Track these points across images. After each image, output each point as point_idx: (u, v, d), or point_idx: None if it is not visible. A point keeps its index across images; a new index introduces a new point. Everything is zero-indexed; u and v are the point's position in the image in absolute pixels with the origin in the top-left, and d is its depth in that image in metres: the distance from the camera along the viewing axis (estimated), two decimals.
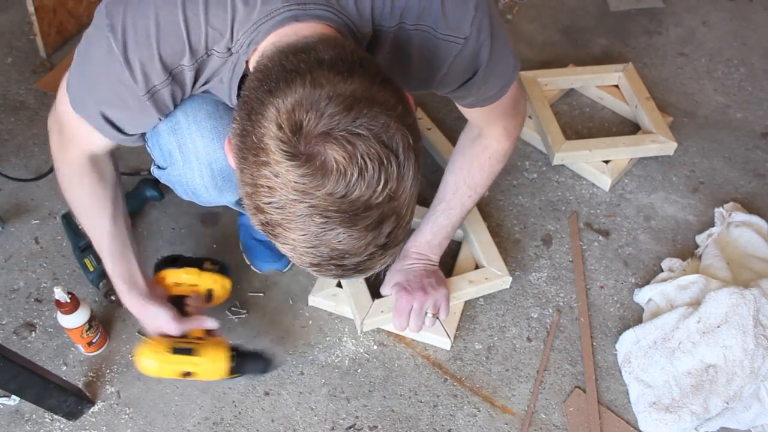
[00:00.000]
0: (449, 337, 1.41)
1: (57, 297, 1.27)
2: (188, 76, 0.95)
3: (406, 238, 0.83)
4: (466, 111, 1.24)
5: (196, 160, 1.12)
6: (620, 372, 1.41)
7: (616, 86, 1.93)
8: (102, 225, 1.20)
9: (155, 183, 1.61)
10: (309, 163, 0.71)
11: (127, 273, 1.24)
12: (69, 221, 1.53)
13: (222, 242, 1.58)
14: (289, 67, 0.77)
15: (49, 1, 1.92)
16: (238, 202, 1.21)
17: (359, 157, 0.72)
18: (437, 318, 1.40)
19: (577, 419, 1.34)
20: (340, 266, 0.78)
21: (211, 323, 1.28)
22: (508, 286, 1.52)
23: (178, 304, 1.29)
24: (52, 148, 1.16)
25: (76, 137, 1.10)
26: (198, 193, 1.16)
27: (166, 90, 0.96)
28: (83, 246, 1.49)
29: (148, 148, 1.17)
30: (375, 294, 1.44)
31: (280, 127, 0.72)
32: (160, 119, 1.02)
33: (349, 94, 0.73)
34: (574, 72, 1.93)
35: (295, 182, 0.72)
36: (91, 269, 1.47)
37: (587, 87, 1.94)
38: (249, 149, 0.75)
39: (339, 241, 0.75)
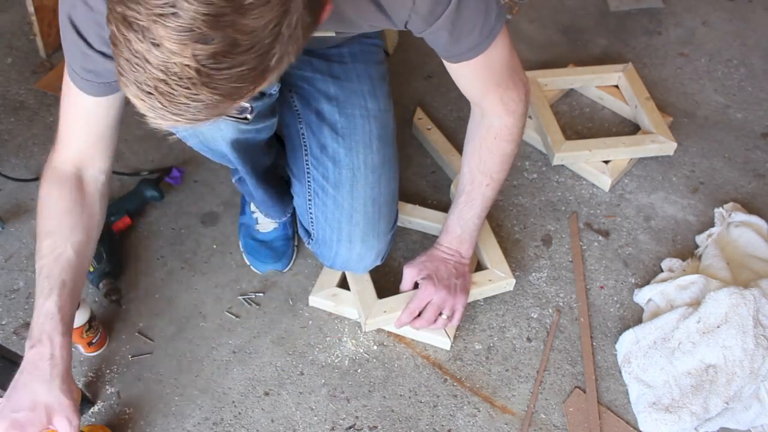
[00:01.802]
0: (449, 337, 1.41)
1: None
2: None
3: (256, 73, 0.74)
4: (457, 76, 1.21)
5: None
6: (620, 372, 1.41)
7: (616, 86, 1.93)
8: (64, 246, 1.11)
9: (155, 183, 1.61)
10: None
11: (66, 316, 1.09)
12: None
13: (222, 242, 1.58)
14: None
15: (49, 1, 1.92)
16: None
17: None
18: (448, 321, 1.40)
19: (577, 419, 1.34)
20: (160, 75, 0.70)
21: None
22: (512, 289, 1.51)
23: None
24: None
25: (70, 126, 1.13)
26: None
27: None
28: None
29: None
30: (380, 293, 1.44)
31: None
32: None
33: None
34: (574, 72, 1.93)
35: None
36: (91, 269, 1.46)
37: (587, 87, 1.94)
38: None
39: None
